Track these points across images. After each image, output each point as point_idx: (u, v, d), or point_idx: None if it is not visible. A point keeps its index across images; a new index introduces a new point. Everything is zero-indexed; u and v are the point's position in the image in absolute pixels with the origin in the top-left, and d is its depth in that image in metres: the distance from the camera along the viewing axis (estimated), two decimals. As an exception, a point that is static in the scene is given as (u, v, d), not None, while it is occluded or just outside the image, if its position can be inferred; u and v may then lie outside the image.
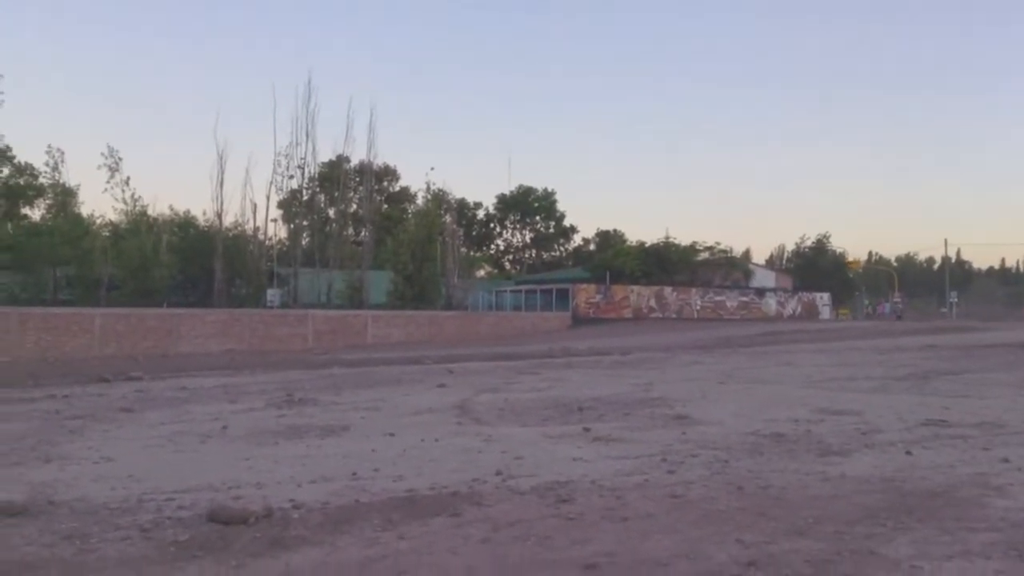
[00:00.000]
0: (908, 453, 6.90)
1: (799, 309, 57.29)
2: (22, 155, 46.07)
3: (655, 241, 58.45)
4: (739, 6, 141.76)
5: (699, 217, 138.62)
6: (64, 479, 6.13)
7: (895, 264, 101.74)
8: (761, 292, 57.05)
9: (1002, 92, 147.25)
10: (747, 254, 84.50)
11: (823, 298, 60.63)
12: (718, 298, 53.18)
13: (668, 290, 50.97)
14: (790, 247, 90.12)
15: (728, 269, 61.29)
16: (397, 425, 9.02)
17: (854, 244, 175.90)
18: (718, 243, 61.97)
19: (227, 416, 9.98)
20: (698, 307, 51.47)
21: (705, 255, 59.72)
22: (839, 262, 73.66)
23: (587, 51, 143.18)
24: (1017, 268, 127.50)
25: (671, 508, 5.08)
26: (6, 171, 44.85)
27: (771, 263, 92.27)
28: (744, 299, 54.64)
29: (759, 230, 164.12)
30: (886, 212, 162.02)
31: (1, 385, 15.14)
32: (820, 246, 76.58)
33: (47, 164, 44.67)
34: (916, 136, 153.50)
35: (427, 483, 5.81)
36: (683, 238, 62.46)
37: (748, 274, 63.01)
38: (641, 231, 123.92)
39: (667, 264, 54.88)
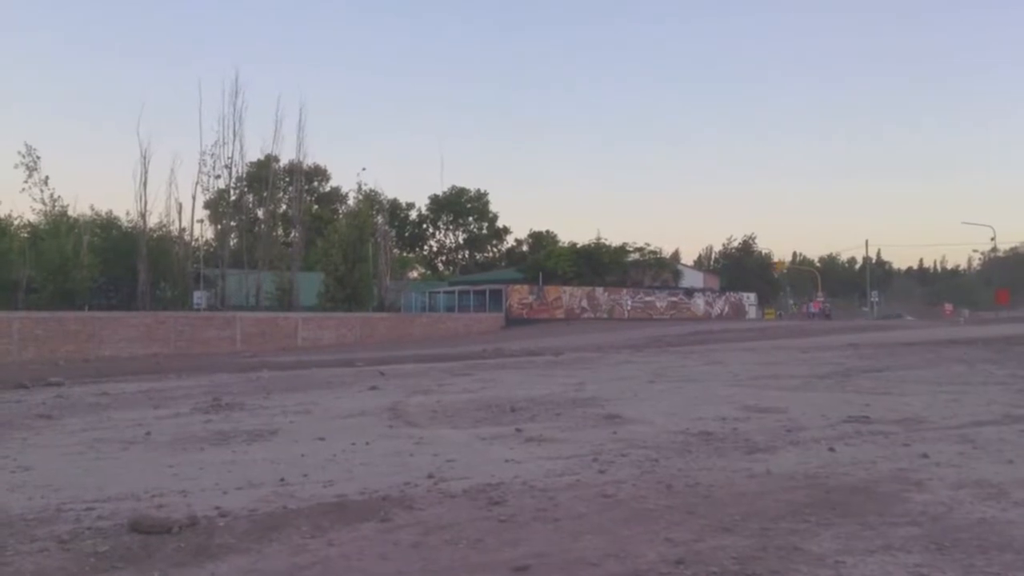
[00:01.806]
0: (831, 450, 7.08)
1: (727, 309, 58.54)
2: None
3: (587, 242, 59.12)
4: (663, 3, 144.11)
5: (629, 218, 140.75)
6: (-24, 490, 5.88)
7: (818, 264, 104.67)
8: (690, 292, 58.15)
9: (924, 91, 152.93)
10: (676, 255, 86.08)
11: (749, 298, 62.11)
12: (648, 298, 53.98)
13: (600, 290, 51.54)
14: (717, 248, 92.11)
15: (658, 270, 62.34)
16: (327, 429, 8.90)
17: (779, 245, 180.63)
18: (648, 244, 63.07)
19: (151, 422, 9.71)
20: (629, 307, 52.16)
21: (635, 256, 60.61)
22: (765, 263, 75.60)
23: (517, 51, 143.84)
24: (934, 268, 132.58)
25: (602, 508, 5.13)
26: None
27: (699, 264, 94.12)
28: (673, 299, 55.58)
29: (688, 231, 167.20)
30: (809, 213, 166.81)
31: (-91, 393, 14.45)
32: (746, 247, 78.39)
33: (-39, 164, 42.87)
34: (839, 136, 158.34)
35: (358, 488, 5.74)
36: (614, 239, 63.29)
37: (677, 275, 64.18)
38: (573, 232, 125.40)
39: (598, 265, 55.50)
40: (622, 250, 59.21)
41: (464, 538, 4.47)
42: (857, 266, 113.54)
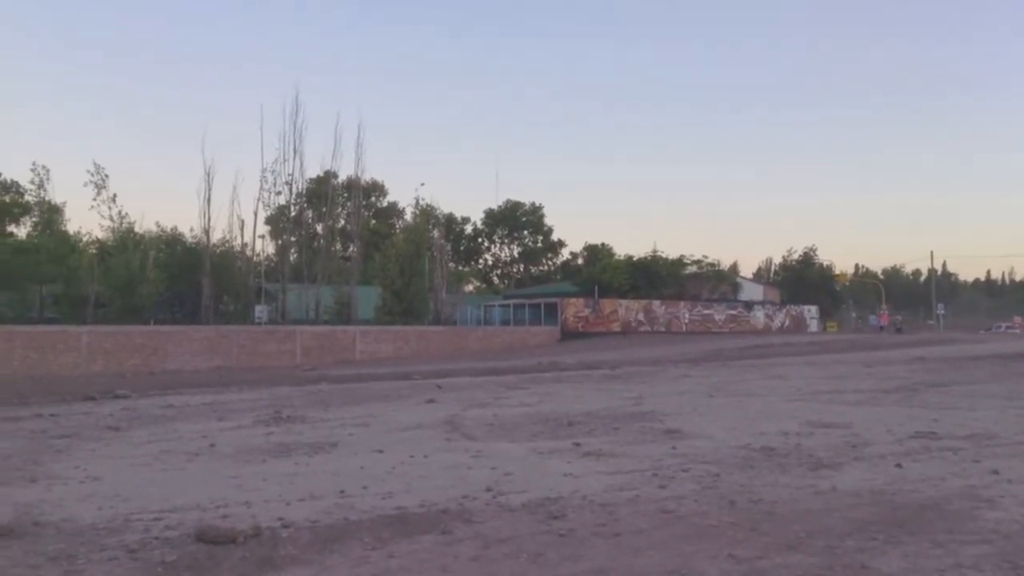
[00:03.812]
0: (898, 466, 6.90)
1: (787, 322, 57.47)
2: (7, 172, 45.98)
3: (643, 255, 58.58)
4: (726, 18, 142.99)
5: (687, 231, 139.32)
6: (50, 499, 6.06)
7: (881, 276, 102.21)
8: (749, 305, 57.22)
9: (989, 105, 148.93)
10: (735, 267, 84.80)
11: (811, 311, 60.85)
12: (706, 311, 53.27)
13: (656, 304, 51.02)
14: (777, 260, 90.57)
15: (716, 282, 61.52)
16: (386, 441, 8.97)
17: (841, 257, 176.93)
18: (706, 256, 62.26)
19: (215, 434, 9.90)
20: (686, 320, 51.53)
21: (693, 268, 59.90)
22: (826, 275, 73.96)
23: (575, 66, 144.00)
24: (1002, 280, 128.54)
25: (663, 523, 5.06)
26: (-9, 190, 44.70)
27: (759, 276, 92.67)
28: (732, 312, 54.76)
29: (746, 243, 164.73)
30: (873, 225, 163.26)
31: (-14, 404, 14.98)
32: (807, 259, 76.91)
33: (32, 182, 44.55)
34: (903, 148, 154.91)
35: (417, 500, 5.77)
36: (671, 252, 62.73)
37: (736, 287, 63.26)
38: (629, 245, 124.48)
39: (655, 278, 54.96)
40: (679, 263, 58.57)
41: (524, 552, 4.45)
42: (922, 278, 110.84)
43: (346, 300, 41.27)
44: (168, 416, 12.36)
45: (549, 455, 7.82)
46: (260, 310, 38.77)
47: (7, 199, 45.97)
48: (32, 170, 43.85)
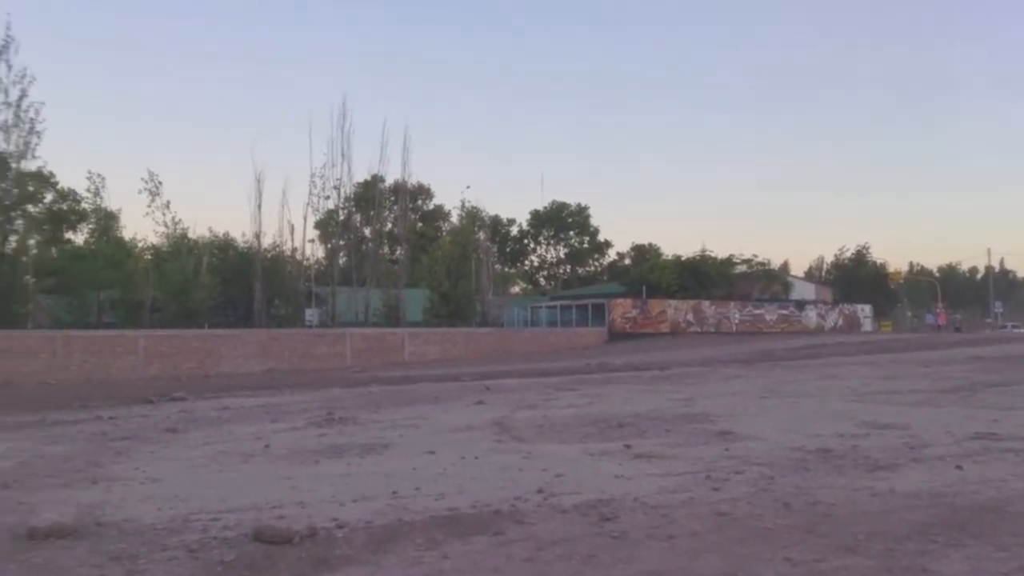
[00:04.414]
0: (958, 467, 6.74)
1: (840, 322, 56.47)
2: (64, 181, 47.34)
3: (691, 255, 58.07)
4: (777, 19, 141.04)
5: (736, 230, 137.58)
6: (111, 500, 6.20)
7: (937, 275, 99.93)
8: (801, 305, 56.36)
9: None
10: (785, 266, 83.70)
11: (864, 310, 59.70)
12: (757, 311, 52.59)
13: (706, 304, 50.52)
14: (829, 259, 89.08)
15: (766, 282, 60.72)
16: (437, 443, 9.01)
17: (895, 255, 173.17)
18: (755, 256, 61.47)
19: (269, 435, 10.06)
20: (737, 321, 50.93)
21: (743, 268, 59.19)
22: (880, 273, 72.56)
23: (618, 66, 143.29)
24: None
25: (717, 526, 5.01)
26: (49, 197, 46.11)
27: (810, 275, 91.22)
28: (784, 312, 53.99)
29: (797, 242, 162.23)
30: (927, 222, 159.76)
31: (48, 407, 15.40)
32: (860, 257, 75.58)
33: (89, 189, 45.92)
34: (958, 144, 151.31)
35: (469, 501, 5.78)
36: (720, 251, 62.06)
37: (787, 287, 62.37)
38: (677, 245, 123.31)
39: (704, 278, 54.41)
40: (729, 262, 57.94)
41: (577, 554, 4.43)
42: (979, 276, 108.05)
43: (394, 303, 41.65)
44: (223, 418, 12.58)
45: (600, 457, 7.79)
46: (311, 313, 39.33)
47: (64, 207, 47.37)
48: (88, 178, 45.06)
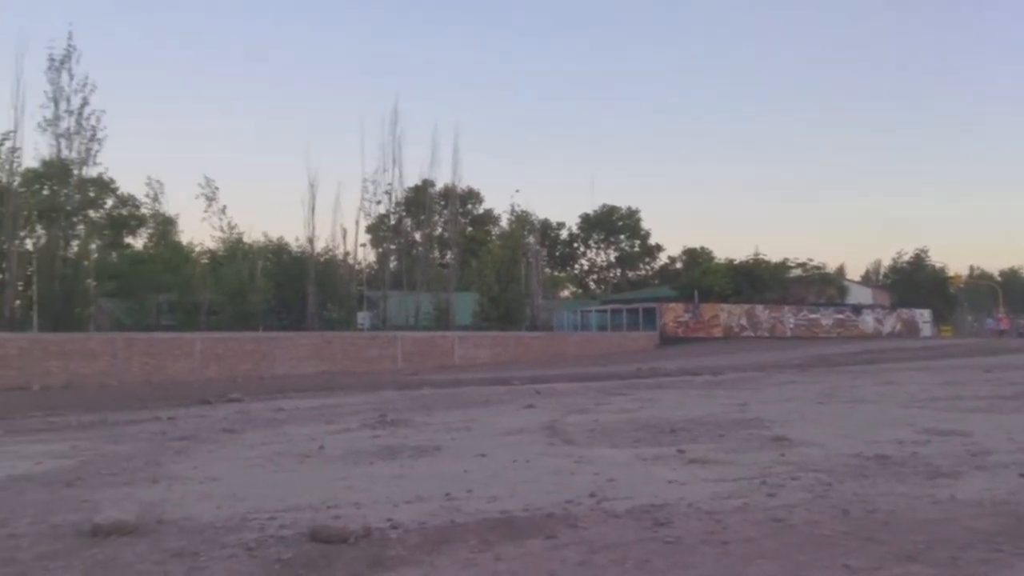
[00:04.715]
0: (1022, 475, 6.55)
1: (898, 326, 55.32)
2: (124, 187, 48.69)
3: (744, 258, 57.40)
4: (824, 19, 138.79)
5: (790, 233, 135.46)
6: (171, 498, 6.34)
7: (999, 278, 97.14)
8: (857, 309, 55.35)
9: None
10: (841, 270, 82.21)
11: (923, 315, 58.41)
12: (812, 316, 51.79)
13: (760, 308, 49.90)
14: (886, 262, 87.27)
15: (822, 286, 59.78)
16: (488, 446, 9.04)
17: (955, 258, 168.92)
18: (811, 259, 60.48)
19: (323, 436, 10.18)
20: (791, 325, 50.20)
21: (797, 272, 58.37)
22: (939, 277, 70.85)
23: (669, 67, 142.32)
24: None
25: (773, 532, 4.94)
26: (110, 202, 47.49)
27: (867, 279, 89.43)
28: (840, 316, 53.08)
29: (854, 245, 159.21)
30: (988, 224, 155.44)
31: (109, 408, 15.82)
32: (918, 261, 73.92)
33: (147, 195, 47.16)
34: (1020, 143, 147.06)
35: (521, 504, 5.79)
36: (773, 255, 61.12)
37: (843, 291, 61.35)
38: (729, 248, 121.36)
39: (758, 282, 53.79)
40: (783, 266, 57.16)
41: (631, 558, 4.41)
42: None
43: (444, 306, 41.92)
44: (279, 419, 12.78)
45: (652, 461, 7.73)
46: (362, 316, 39.78)
47: (124, 212, 48.72)
48: (147, 184, 46.21)
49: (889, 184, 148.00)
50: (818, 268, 61.10)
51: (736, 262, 57.37)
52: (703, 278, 54.14)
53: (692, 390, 17.03)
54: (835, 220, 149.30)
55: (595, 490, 6.24)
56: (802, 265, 59.06)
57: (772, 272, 55.79)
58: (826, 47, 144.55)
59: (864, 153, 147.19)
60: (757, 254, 58.08)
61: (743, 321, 48.80)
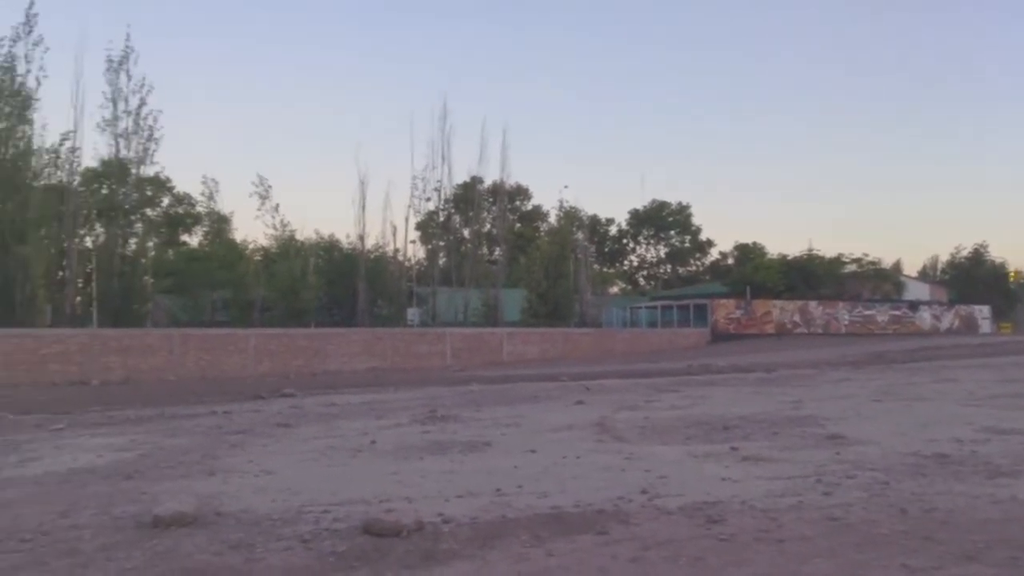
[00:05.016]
0: (1088, 476, 6.36)
1: (956, 323, 54.02)
2: (180, 185, 49.77)
3: (797, 254, 56.54)
4: (879, 19, 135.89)
5: (844, 228, 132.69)
6: (228, 491, 6.46)
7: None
8: (914, 305, 54.15)
9: None
10: (897, 266, 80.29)
11: (982, 311, 56.92)
12: (867, 312, 50.82)
13: (813, 304, 49.12)
14: (944, 258, 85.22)
15: (877, 282, 58.62)
16: (538, 442, 9.04)
17: (1015, 253, 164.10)
18: (866, 255, 59.28)
19: (375, 431, 10.29)
20: (846, 322, 49.33)
21: (852, 267, 57.31)
22: (999, 273, 69.01)
23: (719, 62, 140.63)
24: None
25: (829, 531, 4.86)
26: (166, 201, 48.63)
27: (924, 275, 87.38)
28: (896, 313, 52.00)
29: (910, 240, 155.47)
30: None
31: (166, 402, 16.18)
32: (977, 256, 72.12)
33: (203, 194, 48.14)
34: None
35: (571, 500, 5.78)
36: (827, 250, 60.00)
37: (899, 287, 60.09)
38: (782, 243, 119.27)
39: (811, 277, 52.95)
40: (837, 261, 56.17)
41: (684, 555, 4.38)
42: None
43: (492, 303, 42.03)
44: (331, 414, 12.95)
45: (704, 459, 7.66)
46: (412, 313, 40.09)
47: (180, 210, 49.84)
48: (203, 183, 47.15)
49: (947, 178, 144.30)
50: (873, 263, 59.86)
51: (789, 258, 56.55)
52: (755, 274, 53.48)
53: (745, 387, 16.85)
54: (891, 214, 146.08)
55: (646, 487, 6.21)
56: (857, 260, 57.96)
57: (826, 268, 54.86)
58: (881, 39, 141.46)
59: (925, 149, 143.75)
60: (811, 249, 57.24)
61: (796, 317, 48.08)
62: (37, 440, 10.23)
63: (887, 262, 71.84)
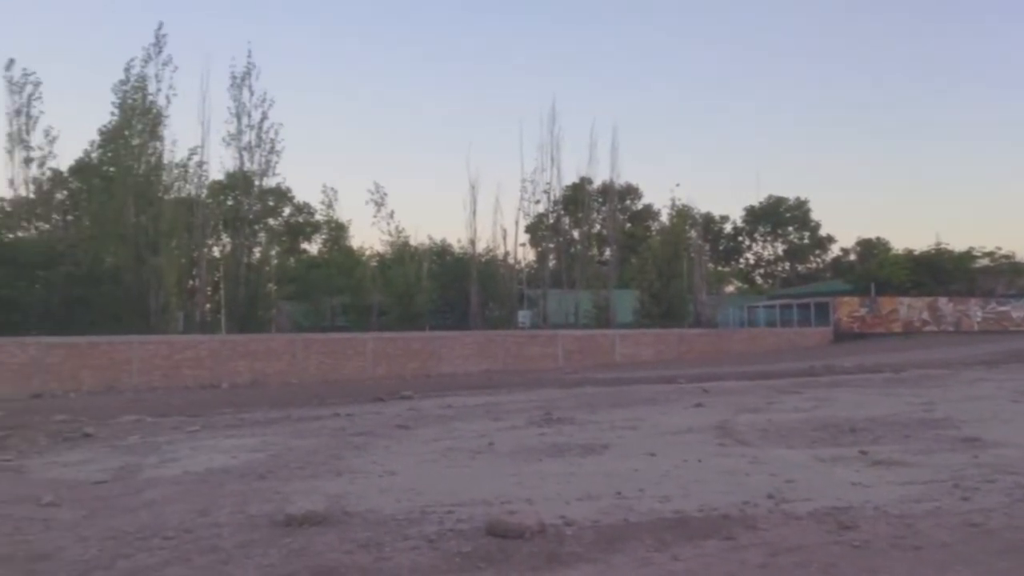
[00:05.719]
0: None
1: (1099, 318, 50.21)
2: (300, 195, 51.60)
3: (925, 248, 53.87)
4: (999, 7, 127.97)
5: (975, 220, 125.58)
6: (354, 491, 6.66)
7: None
8: (1054, 300, 50.67)
9: None
10: (1034, 259, 75.41)
11: None
12: (1002, 308, 47.87)
13: (943, 301, 46.65)
14: (1088, 248, 79.52)
15: (1012, 276, 55.14)
16: (656, 445, 8.95)
17: None
18: (999, 248, 55.81)
19: (492, 433, 10.40)
20: (979, 319, 46.63)
21: (985, 261, 54.11)
22: None
23: (837, 51, 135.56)
24: None
25: (969, 537, 4.63)
26: (287, 210, 50.51)
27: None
28: (1033, 308, 48.79)
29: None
30: None
31: (291, 405, 16.80)
32: None
33: (322, 202, 49.76)
34: None
35: (695, 505, 5.70)
36: (957, 244, 56.84)
37: (1036, 281, 56.34)
38: (907, 238, 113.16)
39: (940, 273, 50.35)
40: (968, 256, 53.17)
41: (815, 562, 4.25)
42: None
43: (604, 304, 41.75)
44: (448, 416, 13.17)
45: (832, 463, 7.41)
46: (523, 315, 40.28)
47: (301, 219, 51.71)
48: (322, 192, 48.74)
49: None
50: (1008, 257, 56.31)
51: (916, 253, 53.95)
52: (880, 270, 51.23)
53: (872, 388, 16.19)
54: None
55: (772, 491, 6.06)
56: (990, 254, 54.66)
57: (956, 262, 52.02)
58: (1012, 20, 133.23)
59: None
60: (939, 243, 54.40)
61: (925, 315, 45.77)
62: (175, 442, 10.81)
63: (1022, 255, 67.66)
